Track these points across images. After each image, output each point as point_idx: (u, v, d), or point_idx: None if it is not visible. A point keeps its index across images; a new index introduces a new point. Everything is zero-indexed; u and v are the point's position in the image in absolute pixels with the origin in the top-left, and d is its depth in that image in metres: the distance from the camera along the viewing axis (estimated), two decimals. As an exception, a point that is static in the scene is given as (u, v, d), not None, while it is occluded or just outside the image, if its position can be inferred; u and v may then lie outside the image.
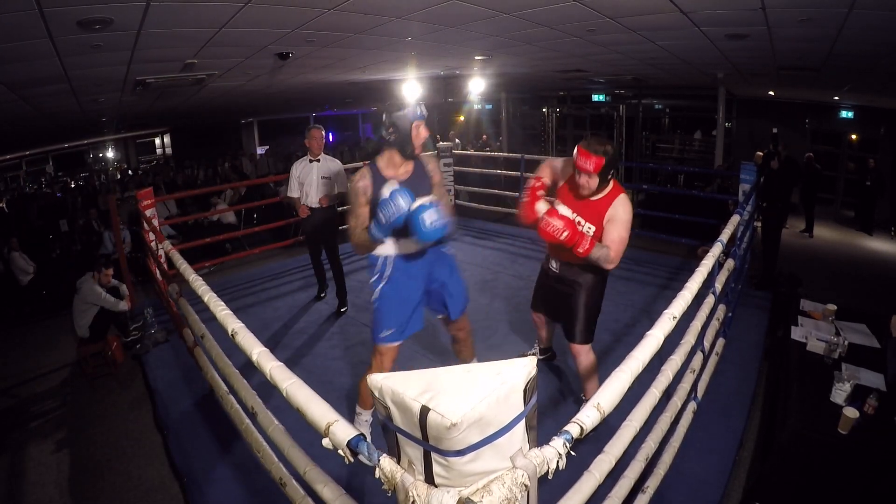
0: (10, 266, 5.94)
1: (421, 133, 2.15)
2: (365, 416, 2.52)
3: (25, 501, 2.73)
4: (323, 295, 4.51)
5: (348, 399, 2.98)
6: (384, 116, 2.15)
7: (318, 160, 4.01)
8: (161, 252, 3.51)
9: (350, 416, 2.55)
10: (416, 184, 2.13)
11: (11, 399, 3.88)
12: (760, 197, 4.66)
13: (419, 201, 1.98)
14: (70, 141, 12.32)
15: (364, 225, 2.13)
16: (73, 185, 11.79)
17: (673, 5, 3.41)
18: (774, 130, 4.88)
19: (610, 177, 2.22)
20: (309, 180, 3.98)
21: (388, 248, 2.23)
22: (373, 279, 2.28)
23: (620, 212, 2.21)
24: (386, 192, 1.98)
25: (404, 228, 2.00)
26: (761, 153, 5.28)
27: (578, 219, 2.30)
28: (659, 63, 6.52)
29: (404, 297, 2.27)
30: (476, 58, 6.23)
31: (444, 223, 1.99)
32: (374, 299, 2.29)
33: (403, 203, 1.93)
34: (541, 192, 2.36)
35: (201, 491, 2.39)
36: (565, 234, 2.10)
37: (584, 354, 2.54)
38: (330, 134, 16.88)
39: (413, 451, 1.00)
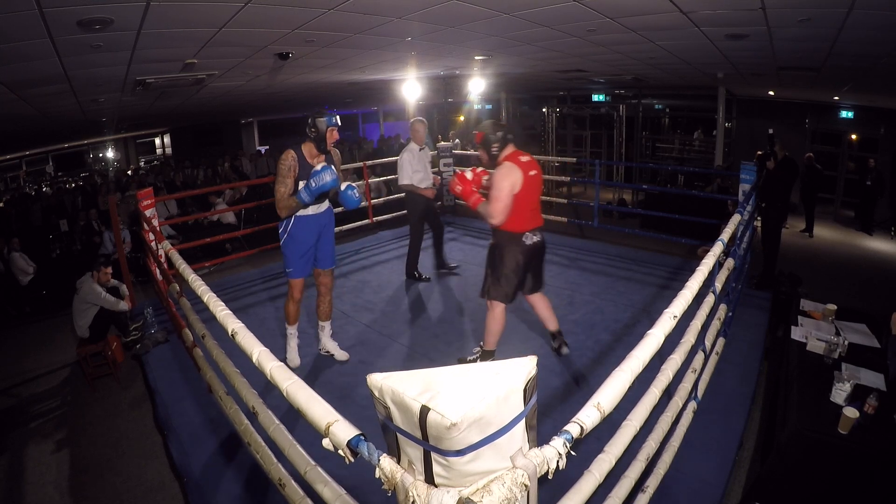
0: (10, 266, 5.94)
1: (333, 136, 2.94)
2: (291, 331, 3.33)
3: (25, 501, 2.73)
4: (419, 275, 4.87)
5: (349, 399, 2.98)
6: (309, 120, 2.91)
7: (423, 149, 4.55)
8: (161, 252, 3.51)
9: (350, 418, 2.54)
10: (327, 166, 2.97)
11: (11, 399, 3.88)
12: (759, 197, 4.66)
13: (347, 182, 2.98)
14: (70, 141, 12.30)
15: (290, 192, 2.89)
16: (72, 186, 11.78)
17: (673, 5, 3.41)
18: (770, 131, 4.86)
19: (495, 152, 2.83)
20: (423, 165, 4.53)
21: (298, 212, 3.01)
22: (280, 231, 3.08)
23: (495, 177, 2.76)
24: (318, 166, 2.82)
25: (322, 195, 2.95)
26: (761, 153, 5.27)
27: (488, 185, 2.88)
28: (659, 63, 6.51)
29: (300, 246, 3.08)
30: (476, 58, 6.23)
31: (359, 197, 2.98)
32: (281, 245, 3.11)
33: (329, 175, 2.77)
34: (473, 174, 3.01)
35: (201, 491, 2.39)
36: (458, 188, 2.89)
37: (489, 309, 3.03)
38: (330, 134, 16.86)
39: (413, 451, 1.00)
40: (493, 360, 2.80)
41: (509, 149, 2.85)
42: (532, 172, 2.84)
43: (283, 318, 3.46)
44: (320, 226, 3.13)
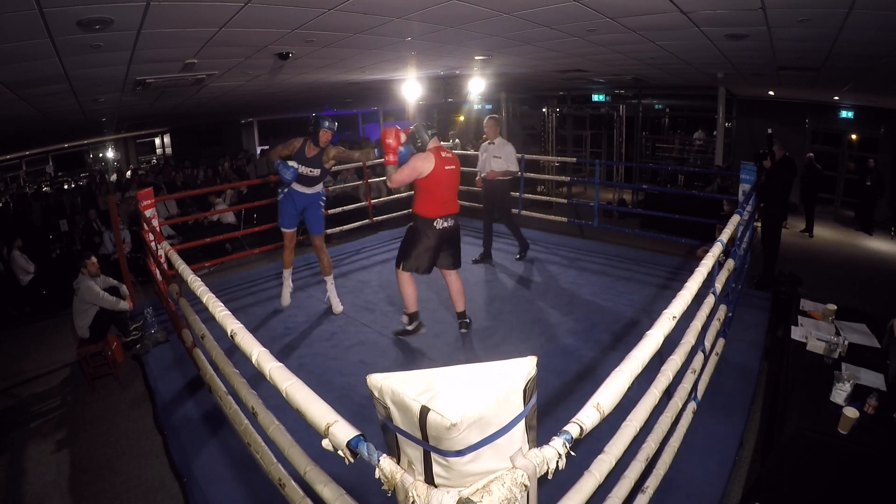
0: (10, 266, 5.93)
1: (325, 136, 3.84)
2: (285, 274, 4.30)
3: (25, 501, 2.73)
4: (476, 259, 5.31)
5: (349, 399, 2.98)
6: (312, 120, 3.89)
7: (493, 143, 4.99)
8: (161, 252, 3.52)
9: (350, 418, 2.55)
10: (317, 158, 3.89)
11: (11, 399, 3.88)
12: (758, 197, 4.65)
13: (293, 163, 3.86)
14: (70, 141, 12.29)
15: (278, 157, 3.85)
16: (72, 186, 11.77)
17: (673, 5, 3.41)
18: (769, 130, 4.88)
19: (420, 144, 3.34)
20: (485, 158, 5.02)
21: (292, 185, 3.95)
22: (279, 194, 4.04)
23: (413, 158, 3.29)
24: (289, 162, 3.83)
25: (295, 180, 3.91)
26: (759, 152, 5.27)
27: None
28: (659, 63, 6.51)
29: (287, 209, 4.02)
30: (476, 58, 6.22)
31: (289, 175, 3.81)
32: (278, 203, 4.06)
33: (284, 171, 3.79)
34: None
35: (201, 491, 2.39)
36: (389, 141, 3.26)
37: (397, 278, 3.50)
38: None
39: (413, 452, 1.00)
40: (419, 321, 3.65)
41: (434, 142, 3.36)
42: (448, 167, 3.32)
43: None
44: (307, 201, 4.02)
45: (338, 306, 4.14)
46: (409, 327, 3.62)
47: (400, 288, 3.52)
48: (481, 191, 5.26)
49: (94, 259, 4.10)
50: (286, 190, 3.97)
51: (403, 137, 3.32)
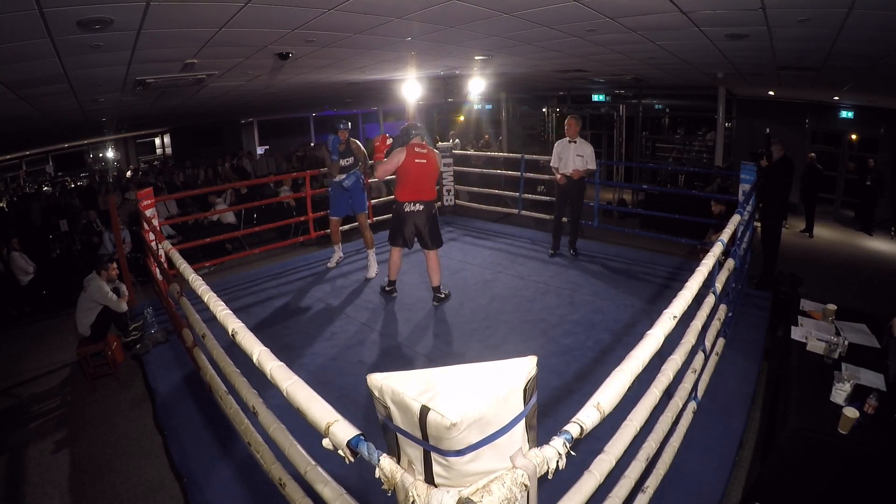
0: (10, 266, 5.93)
1: (342, 135, 4.77)
2: (336, 248, 5.40)
3: (25, 501, 2.73)
4: (552, 252, 5.53)
5: (348, 399, 2.98)
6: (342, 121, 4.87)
7: (575, 142, 5.12)
8: (161, 252, 3.52)
9: (350, 418, 2.55)
10: (347, 150, 4.83)
11: (11, 399, 3.87)
12: (757, 197, 4.64)
13: (351, 174, 4.86)
14: (70, 141, 12.29)
15: (337, 167, 4.83)
16: (73, 186, 11.77)
17: (673, 5, 3.41)
18: (767, 130, 4.88)
19: (403, 140, 3.99)
20: (566, 156, 5.16)
21: (338, 176, 4.87)
22: (329, 188, 5.07)
23: (392, 153, 3.97)
24: (331, 144, 4.79)
25: (341, 167, 4.86)
26: (759, 151, 5.27)
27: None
28: (659, 63, 6.51)
29: (336, 198, 5.00)
30: (476, 58, 6.22)
31: (353, 181, 4.83)
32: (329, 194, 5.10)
33: (332, 147, 4.76)
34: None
35: (201, 491, 2.39)
36: (377, 144, 4.16)
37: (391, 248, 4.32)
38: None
39: (413, 451, 1.00)
40: (394, 287, 4.46)
41: (415, 140, 3.97)
42: (419, 160, 3.90)
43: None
44: (348, 189, 4.90)
45: (371, 273, 4.97)
46: (388, 288, 4.46)
47: (389, 258, 4.35)
48: (560, 186, 5.32)
49: (114, 265, 4.14)
50: (330, 185, 4.97)
51: (389, 141, 4.16)
